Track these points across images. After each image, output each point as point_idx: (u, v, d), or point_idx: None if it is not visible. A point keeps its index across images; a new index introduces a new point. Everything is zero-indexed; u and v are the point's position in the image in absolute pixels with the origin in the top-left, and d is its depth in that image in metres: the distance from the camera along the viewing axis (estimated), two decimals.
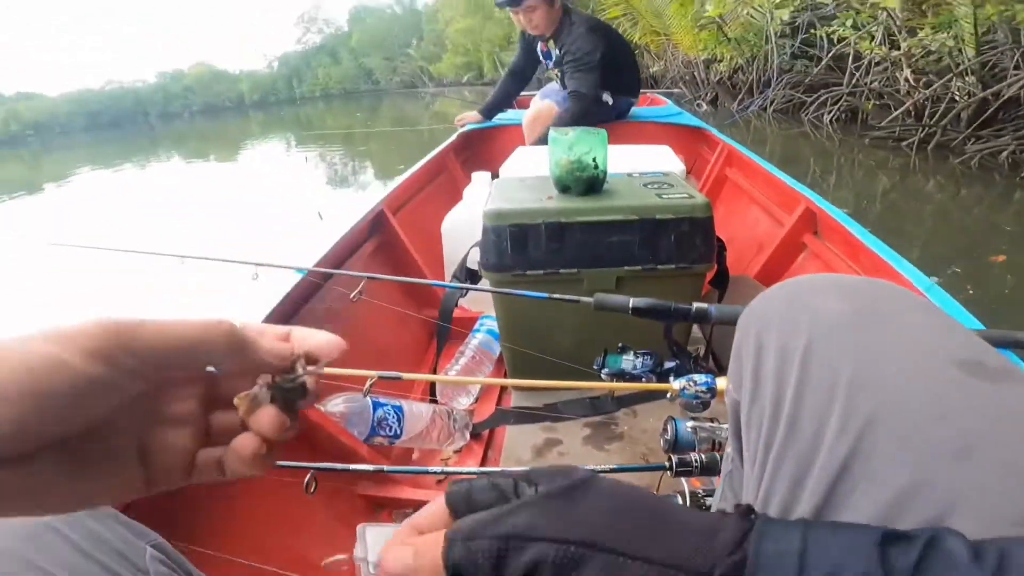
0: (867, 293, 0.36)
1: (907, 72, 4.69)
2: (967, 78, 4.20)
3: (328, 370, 0.31)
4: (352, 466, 0.78)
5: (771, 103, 6.64)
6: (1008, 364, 0.31)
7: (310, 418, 0.91)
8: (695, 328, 1.40)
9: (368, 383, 0.84)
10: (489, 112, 2.64)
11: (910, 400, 0.29)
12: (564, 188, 1.13)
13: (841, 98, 5.76)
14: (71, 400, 0.21)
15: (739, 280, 1.33)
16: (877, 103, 5.33)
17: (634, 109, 2.55)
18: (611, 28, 2.64)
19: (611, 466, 0.81)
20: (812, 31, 6.13)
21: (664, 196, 1.11)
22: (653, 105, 3.04)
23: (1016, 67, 3.90)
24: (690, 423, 0.83)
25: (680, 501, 0.76)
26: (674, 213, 1.06)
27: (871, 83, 5.37)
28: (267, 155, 10.17)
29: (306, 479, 0.69)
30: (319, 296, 1.11)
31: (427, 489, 0.97)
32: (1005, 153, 3.70)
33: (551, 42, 2.33)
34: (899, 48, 4.72)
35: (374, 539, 0.76)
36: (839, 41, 5.61)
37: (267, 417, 0.26)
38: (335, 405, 0.99)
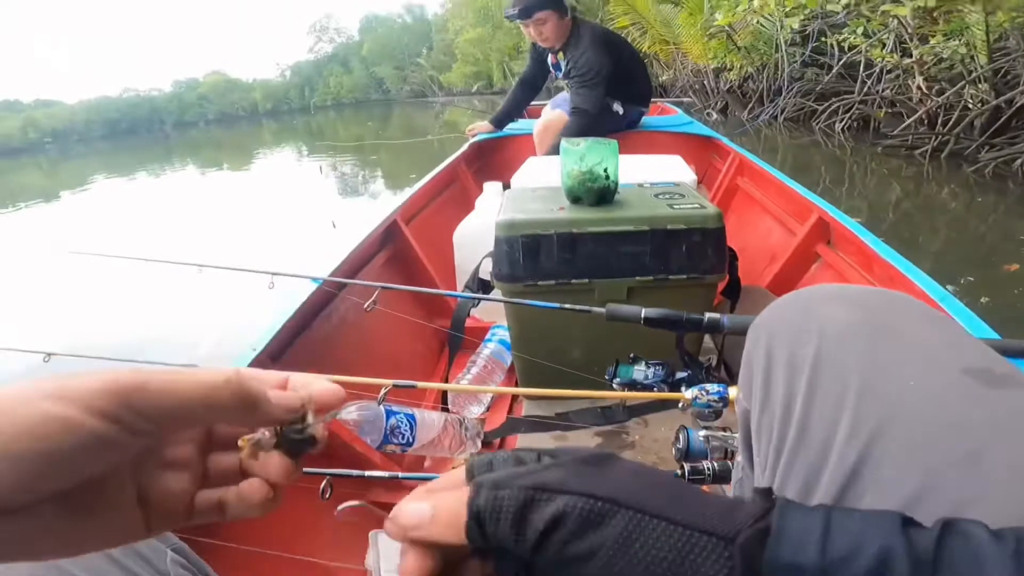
0: (876, 303, 0.37)
1: (919, 80, 4.67)
2: (980, 85, 4.17)
3: (343, 378, 0.31)
4: (368, 472, 0.79)
5: (782, 112, 6.62)
6: (1016, 371, 0.31)
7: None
8: (707, 338, 1.40)
9: (383, 391, 0.85)
10: (500, 122, 2.65)
11: (919, 407, 0.29)
12: (575, 199, 1.14)
13: (853, 106, 5.74)
14: (76, 459, 0.21)
15: (751, 290, 1.33)
16: (889, 111, 5.30)
17: (645, 119, 2.56)
18: (621, 39, 2.64)
19: None
20: (823, 39, 6.11)
21: (675, 206, 1.11)
22: (664, 114, 3.05)
23: None
24: (702, 432, 0.83)
25: None
26: (685, 223, 1.07)
27: (883, 91, 5.35)
28: (280, 164, 10.28)
29: (322, 485, 0.70)
30: (333, 305, 1.13)
31: None
32: (1020, 161, 3.66)
33: (561, 54, 2.34)
34: (911, 56, 4.70)
35: (386, 546, 0.77)
36: (850, 49, 5.60)
37: (276, 465, 0.27)
38: (349, 413, 1.00)
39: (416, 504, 0.24)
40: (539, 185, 1.34)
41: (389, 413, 1.03)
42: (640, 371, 0.94)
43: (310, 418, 0.27)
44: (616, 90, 2.30)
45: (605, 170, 1.12)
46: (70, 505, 0.22)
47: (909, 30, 4.66)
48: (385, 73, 39.38)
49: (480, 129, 2.65)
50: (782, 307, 0.40)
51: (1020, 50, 3.95)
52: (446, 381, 1.24)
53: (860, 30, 5.27)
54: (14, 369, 1.76)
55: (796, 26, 6.19)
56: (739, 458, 0.45)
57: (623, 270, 1.08)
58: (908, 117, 4.88)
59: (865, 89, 5.59)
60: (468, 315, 1.21)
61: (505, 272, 1.08)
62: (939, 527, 0.21)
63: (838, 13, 5.66)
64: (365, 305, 0.98)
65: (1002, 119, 3.99)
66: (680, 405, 0.83)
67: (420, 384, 0.86)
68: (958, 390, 0.30)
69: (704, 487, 0.78)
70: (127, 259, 1.08)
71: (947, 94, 4.40)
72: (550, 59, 2.46)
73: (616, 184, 1.14)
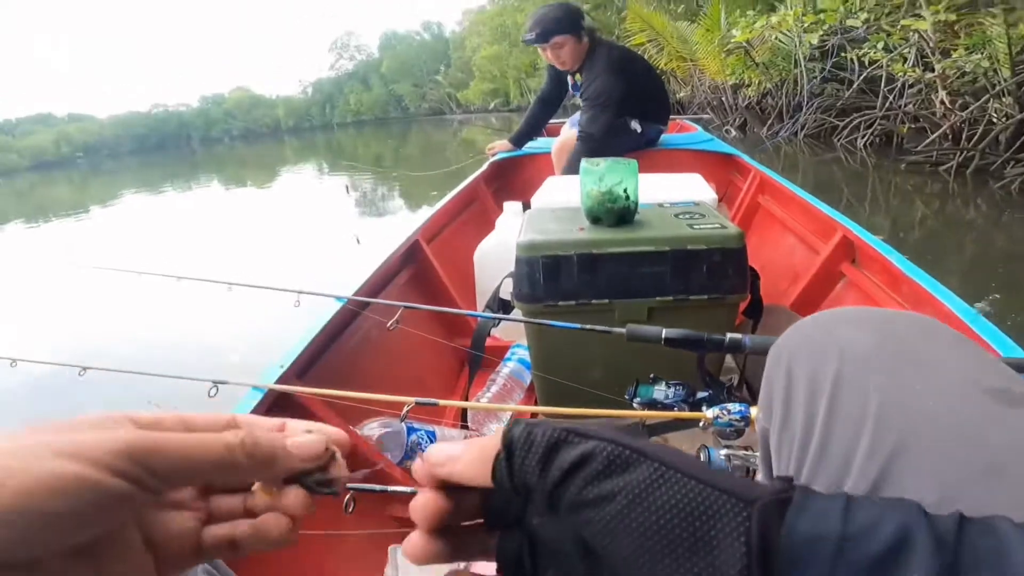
0: (896, 325, 0.37)
1: (942, 94, 4.62)
2: (1004, 99, 4.11)
3: (366, 395, 0.31)
4: (390, 488, 0.80)
5: (802, 128, 6.57)
6: None
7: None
8: (728, 358, 1.39)
9: (405, 409, 0.87)
10: (519, 140, 2.68)
11: (939, 426, 0.30)
12: (595, 219, 1.15)
13: (875, 122, 5.68)
14: (94, 516, 0.21)
15: (774, 309, 1.32)
16: (912, 126, 5.23)
17: (664, 136, 2.56)
18: (638, 57, 2.66)
19: None
20: (843, 54, 6.08)
21: (696, 226, 1.11)
22: (683, 132, 3.05)
23: None
24: (723, 451, 0.83)
25: None
26: (706, 243, 1.07)
27: (905, 106, 5.29)
28: (302, 182, 10.48)
29: (346, 498, 0.71)
30: (357, 323, 1.15)
31: None
32: None
33: (578, 74, 2.37)
34: (933, 70, 4.65)
35: (405, 560, 0.77)
36: (871, 64, 5.56)
37: (294, 498, 0.26)
38: (371, 429, 1.02)
39: (446, 445, 0.25)
40: (559, 205, 1.36)
41: (410, 430, 1.04)
42: (660, 391, 0.94)
43: (339, 458, 0.27)
44: (634, 108, 2.31)
45: (625, 190, 1.13)
46: (80, 558, 0.22)
47: (931, 44, 4.62)
48: (404, 90, 40.04)
49: (499, 148, 2.68)
50: (803, 329, 0.40)
51: None
52: (466, 399, 1.25)
53: (880, 45, 5.24)
54: (53, 382, 1.82)
55: (815, 42, 6.18)
56: (759, 476, 0.46)
57: (643, 290, 1.08)
58: (932, 132, 4.82)
59: (887, 104, 5.53)
60: (488, 334, 1.22)
61: (525, 293, 1.09)
62: (957, 515, 0.21)
63: (858, 28, 5.64)
64: (388, 324, 1.00)
65: None
66: (701, 424, 0.83)
67: (441, 402, 0.87)
68: (979, 409, 0.30)
69: None
70: (161, 276, 1.11)
71: (971, 108, 4.34)
72: (569, 78, 2.48)
73: (636, 204, 1.15)
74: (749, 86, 7.67)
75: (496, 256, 1.43)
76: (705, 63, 8.15)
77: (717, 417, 0.81)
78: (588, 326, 0.95)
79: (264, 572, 0.67)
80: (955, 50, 4.37)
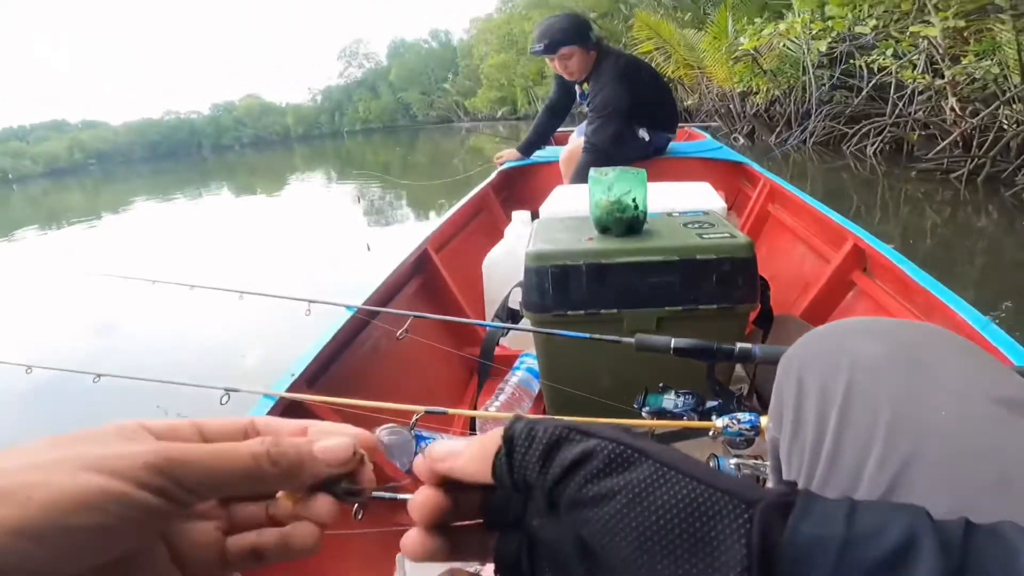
0: (907, 336, 0.37)
1: (952, 101, 4.59)
2: (1015, 106, 4.09)
3: (376, 404, 0.30)
4: (400, 496, 0.80)
5: (811, 135, 6.55)
6: None
7: None
8: (738, 367, 1.38)
9: (414, 417, 0.87)
10: (527, 149, 2.69)
11: (949, 436, 0.30)
12: (604, 229, 1.15)
13: (884, 129, 5.65)
14: (126, 531, 0.21)
15: (785, 319, 1.31)
16: (922, 134, 5.21)
17: (672, 144, 2.56)
18: (645, 66, 2.66)
19: None
20: (851, 61, 6.06)
21: (705, 236, 1.11)
22: (691, 139, 3.05)
23: None
24: (733, 460, 0.83)
25: None
26: (715, 253, 1.07)
27: (915, 113, 5.26)
28: (311, 190, 10.57)
29: (355, 507, 0.72)
30: (367, 332, 1.15)
31: None
32: None
33: (585, 84, 2.37)
34: (943, 76, 4.63)
35: (413, 568, 0.77)
36: (880, 70, 5.54)
37: (322, 506, 0.26)
38: (379, 436, 1.02)
39: (451, 440, 0.25)
40: (567, 214, 1.36)
41: (419, 438, 1.04)
42: (670, 400, 0.94)
43: (367, 462, 0.26)
44: (642, 117, 2.31)
45: (633, 200, 1.14)
46: (108, 573, 0.21)
47: (940, 50, 4.60)
48: (412, 98, 40.32)
49: (508, 157, 2.68)
50: (813, 340, 0.40)
51: None
52: (474, 408, 1.25)
53: (890, 51, 5.22)
54: (67, 388, 1.84)
55: (823, 49, 6.16)
56: (769, 485, 0.46)
57: (652, 300, 1.08)
58: (942, 139, 4.79)
59: (897, 111, 5.51)
60: (497, 343, 1.23)
61: (534, 302, 1.10)
62: (964, 521, 0.20)
63: (867, 35, 5.63)
64: (398, 334, 1.00)
65: None
66: (711, 433, 0.83)
67: (450, 411, 0.88)
68: (989, 419, 0.30)
69: None
70: (174, 285, 1.13)
71: (982, 115, 4.31)
72: (576, 87, 2.49)
73: (645, 213, 1.15)
74: (757, 93, 7.65)
75: (505, 265, 1.44)
76: (712, 71, 8.15)
77: (727, 426, 0.81)
78: (597, 336, 0.95)
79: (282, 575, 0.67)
80: (965, 56, 4.35)
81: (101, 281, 1.38)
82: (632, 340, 0.93)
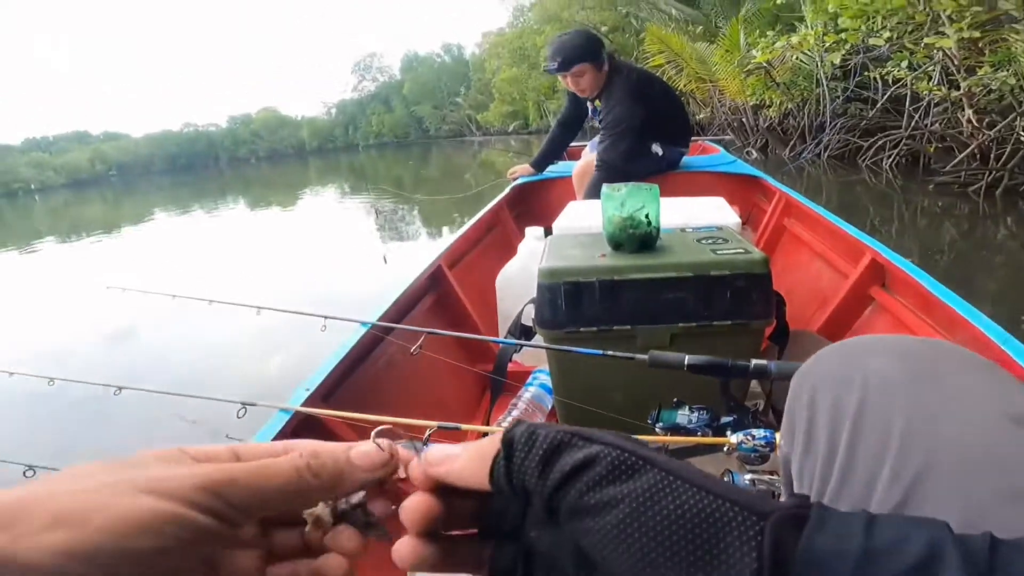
0: (920, 353, 0.37)
1: (969, 113, 4.54)
2: None
3: (389, 419, 0.30)
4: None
5: (825, 149, 6.51)
6: None
7: None
8: (753, 383, 1.37)
9: (427, 433, 0.87)
10: (540, 164, 2.70)
11: (962, 451, 0.30)
12: (617, 245, 1.16)
13: (900, 142, 5.60)
14: (180, 552, 0.21)
15: (801, 335, 1.30)
16: (939, 146, 5.15)
17: (686, 159, 2.55)
18: (658, 81, 2.67)
19: None
20: (865, 73, 6.02)
21: (719, 251, 1.11)
22: (705, 153, 3.04)
23: None
24: (747, 475, 0.82)
25: None
26: (729, 269, 1.06)
27: (931, 125, 5.21)
28: (326, 204, 10.69)
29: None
30: (381, 348, 1.16)
31: None
32: None
33: (598, 101, 2.39)
34: (958, 88, 4.59)
35: None
36: (894, 82, 5.51)
37: (347, 538, 0.26)
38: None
39: (448, 445, 0.24)
40: (581, 229, 1.36)
41: None
42: (683, 415, 0.94)
43: (401, 473, 0.26)
44: (655, 132, 2.32)
45: (646, 216, 1.14)
46: None
47: (955, 62, 4.56)
48: (424, 112, 40.74)
49: (521, 172, 2.70)
50: (825, 357, 0.40)
51: None
52: (487, 423, 1.25)
53: (904, 63, 5.18)
54: (87, 399, 1.86)
55: (837, 61, 6.13)
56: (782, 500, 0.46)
57: (666, 316, 1.08)
58: (959, 152, 4.74)
59: (912, 124, 5.46)
60: (510, 359, 1.23)
61: (547, 319, 1.10)
62: (988, 535, 0.20)
63: (880, 47, 5.60)
64: (412, 349, 1.01)
65: None
66: (725, 449, 0.82)
67: (463, 426, 0.88)
68: (1003, 433, 0.30)
69: None
70: (195, 300, 1.15)
71: (999, 127, 4.26)
72: (588, 103, 2.51)
73: (658, 229, 1.15)
74: (770, 107, 7.62)
75: (518, 281, 1.44)
76: (725, 84, 8.15)
77: (741, 442, 0.81)
78: (610, 352, 0.95)
79: None
80: (980, 67, 4.31)
81: (123, 294, 1.40)
82: (646, 357, 0.93)
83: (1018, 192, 3.98)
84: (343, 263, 4.68)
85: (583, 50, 2.23)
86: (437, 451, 0.25)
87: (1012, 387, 0.34)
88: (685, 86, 8.63)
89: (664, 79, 4.31)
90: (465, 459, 0.24)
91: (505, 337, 1.23)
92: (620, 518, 0.20)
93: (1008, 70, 4.07)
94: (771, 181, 2.21)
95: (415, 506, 0.24)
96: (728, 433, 0.83)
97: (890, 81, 5.54)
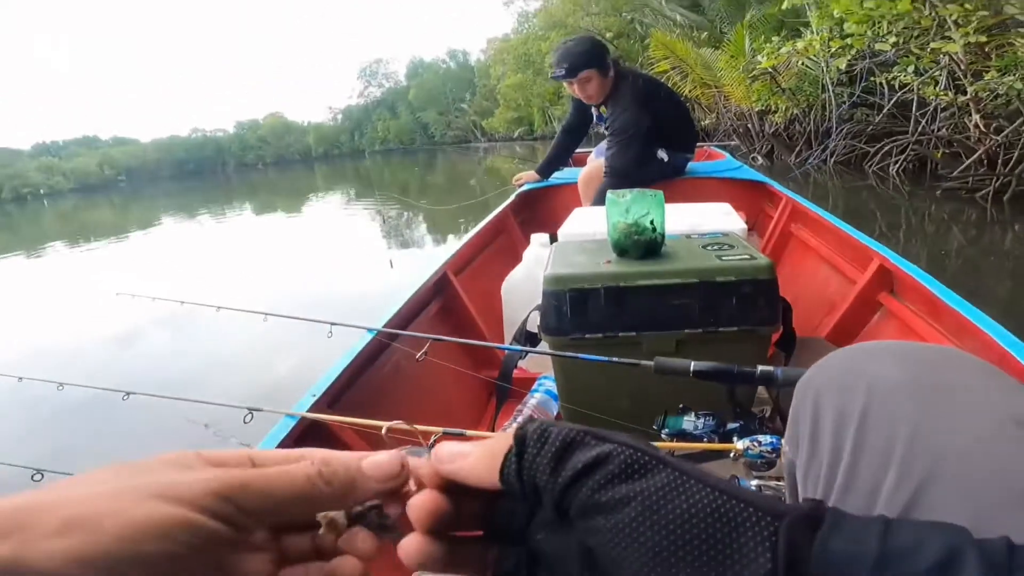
0: (925, 358, 0.37)
1: (976, 118, 4.52)
2: None
3: (395, 424, 0.29)
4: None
5: (832, 155, 6.48)
6: None
7: None
8: (761, 388, 1.36)
9: (433, 439, 0.87)
10: (545, 170, 2.70)
11: (968, 455, 0.29)
12: (622, 252, 1.16)
13: (907, 147, 5.57)
14: (195, 558, 0.21)
15: (809, 341, 1.30)
16: (946, 151, 5.12)
17: (692, 164, 2.55)
18: (663, 86, 2.67)
19: None
20: (872, 78, 6.01)
21: (724, 258, 1.11)
22: (711, 159, 3.04)
23: None
24: (754, 481, 0.82)
25: None
26: (735, 275, 1.06)
27: (938, 130, 5.19)
28: (332, 210, 10.75)
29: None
30: (387, 355, 1.17)
31: None
32: None
33: (603, 107, 2.39)
34: (965, 92, 4.57)
35: None
36: (901, 87, 5.48)
37: (362, 540, 0.26)
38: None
39: (458, 443, 0.24)
40: (586, 236, 1.37)
41: None
42: (690, 422, 0.93)
43: (411, 485, 0.26)
44: (660, 138, 2.32)
45: (651, 222, 1.14)
46: None
47: (962, 66, 4.54)
48: (430, 118, 40.89)
49: (526, 179, 2.71)
50: (830, 364, 0.40)
51: None
52: (493, 429, 1.25)
53: (911, 68, 5.16)
54: (96, 404, 1.88)
55: (843, 66, 6.11)
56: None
57: (671, 323, 1.08)
58: (966, 157, 4.71)
59: (919, 129, 5.43)
60: (516, 366, 1.23)
61: (552, 325, 1.10)
62: (1006, 539, 0.19)
63: (886, 52, 5.58)
64: (417, 356, 1.01)
65: None
66: (732, 455, 0.82)
67: (468, 432, 0.88)
68: (1009, 438, 0.30)
69: None
70: (202, 306, 1.16)
71: (1006, 131, 4.24)
72: (593, 109, 2.51)
73: (663, 236, 1.15)
74: (776, 112, 7.61)
75: (523, 288, 1.45)
76: (730, 90, 8.14)
77: (748, 449, 0.80)
78: (616, 359, 0.95)
79: None
80: (987, 72, 4.29)
81: (132, 300, 1.42)
82: (651, 363, 0.93)
83: None
84: (349, 268, 4.70)
85: (589, 56, 2.24)
86: (447, 448, 0.24)
87: (1018, 392, 0.34)
88: (690, 92, 8.63)
89: (669, 85, 4.32)
90: (476, 456, 0.23)
91: (510, 344, 1.23)
92: (632, 516, 0.20)
93: (1015, 74, 4.05)
94: (777, 187, 2.21)
95: (423, 503, 0.24)
96: (735, 439, 0.83)
97: (896, 86, 5.52)
